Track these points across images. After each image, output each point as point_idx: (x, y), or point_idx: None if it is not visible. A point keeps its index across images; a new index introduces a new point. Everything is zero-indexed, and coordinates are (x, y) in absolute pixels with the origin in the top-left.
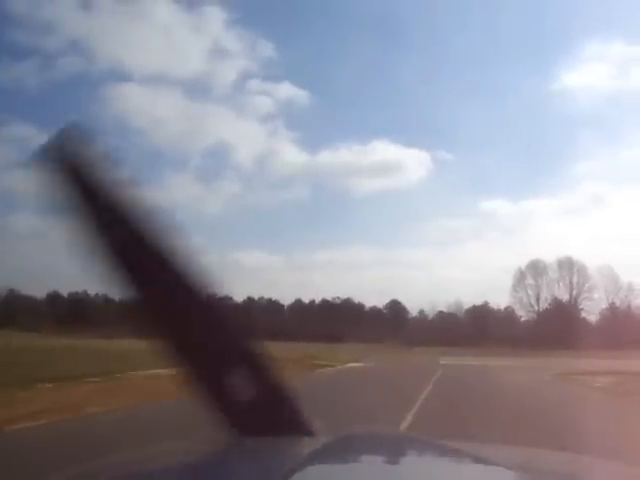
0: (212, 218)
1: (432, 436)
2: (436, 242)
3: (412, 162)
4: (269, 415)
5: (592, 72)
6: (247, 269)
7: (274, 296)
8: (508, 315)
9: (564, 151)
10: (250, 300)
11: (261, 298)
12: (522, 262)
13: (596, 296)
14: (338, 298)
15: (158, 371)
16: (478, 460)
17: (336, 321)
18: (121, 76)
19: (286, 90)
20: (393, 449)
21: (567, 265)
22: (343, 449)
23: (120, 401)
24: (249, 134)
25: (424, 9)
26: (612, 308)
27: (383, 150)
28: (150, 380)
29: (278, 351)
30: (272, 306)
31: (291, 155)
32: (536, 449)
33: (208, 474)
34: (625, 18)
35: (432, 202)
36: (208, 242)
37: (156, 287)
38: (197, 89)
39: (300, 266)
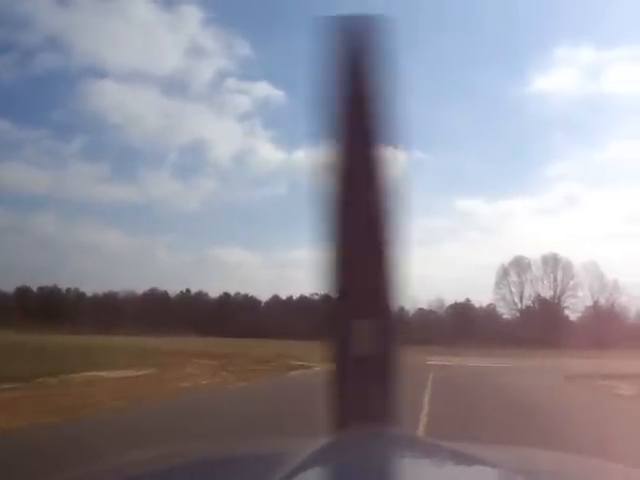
0: (190, 215)
1: (432, 437)
2: (414, 241)
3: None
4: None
5: (564, 76)
6: (226, 266)
7: (251, 292)
8: (490, 313)
9: (539, 152)
10: (226, 296)
11: (237, 294)
12: (500, 260)
13: (580, 294)
14: (317, 294)
15: (110, 373)
16: (478, 461)
17: (315, 318)
18: (99, 73)
19: (263, 89)
20: (393, 449)
21: (552, 262)
22: (343, 449)
23: None
24: (227, 132)
25: (400, 10)
26: (596, 307)
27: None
28: (88, 386)
29: (252, 350)
30: (249, 302)
31: (268, 153)
32: (536, 449)
33: (208, 475)
34: (594, 24)
35: (409, 201)
36: (186, 238)
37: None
38: (174, 87)
39: (279, 263)
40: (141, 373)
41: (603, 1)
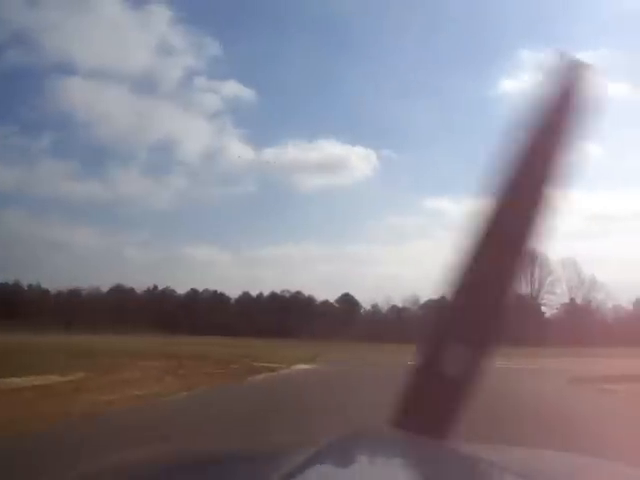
0: (160, 213)
1: (432, 438)
2: (385, 239)
3: (358, 160)
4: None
5: (529, 78)
6: (196, 264)
7: (220, 289)
8: None
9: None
10: (194, 292)
11: (206, 290)
12: None
13: (558, 290)
14: (287, 291)
15: (26, 379)
16: (478, 461)
17: (286, 315)
18: (67, 70)
19: (233, 88)
20: (393, 450)
21: (529, 257)
22: (343, 450)
23: None
24: (196, 130)
25: (369, 12)
26: (573, 303)
27: (329, 148)
28: None
29: (216, 349)
30: (217, 299)
31: (239, 151)
32: (536, 449)
33: (208, 474)
34: (558, 28)
35: (379, 200)
36: (156, 236)
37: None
38: (144, 85)
39: (249, 261)
40: (65, 379)
41: (567, 6)
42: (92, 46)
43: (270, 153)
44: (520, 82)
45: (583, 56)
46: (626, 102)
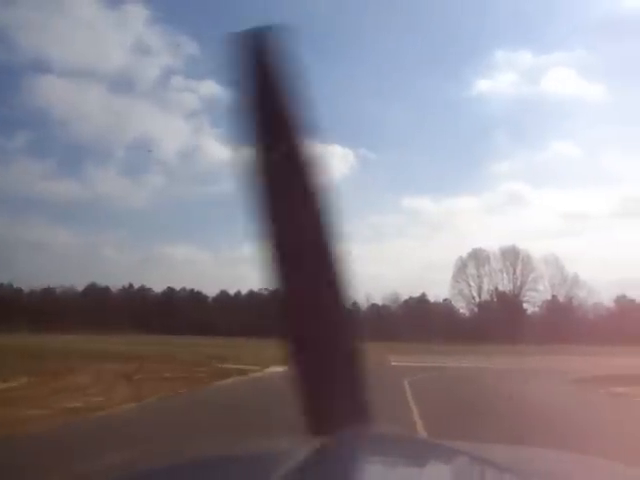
0: (138, 212)
1: (432, 437)
2: (364, 238)
3: (335, 159)
4: (344, 414)
5: (504, 79)
6: (175, 263)
7: (197, 287)
8: (447, 307)
9: (482, 152)
10: (170, 291)
11: (183, 289)
12: (451, 256)
13: (541, 287)
14: (266, 289)
15: None
16: (478, 460)
17: (265, 314)
18: (43, 68)
19: (210, 88)
20: (393, 449)
21: (511, 254)
22: (343, 449)
23: None
24: (174, 129)
25: (346, 12)
26: (554, 300)
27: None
28: None
29: (188, 350)
30: (195, 298)
31: (216, 151)
32: (536, 449)
33: (208, 474)
34: (532, 30)
35: (357, 199)
36: (134, 235)
37: (307, 274)
38: (121, 84)
39: (228, 260)
40: (2, 386)
41: (543, 7)
42: (68, 45)
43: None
44: (495, 82)
45: (558, 57)
46: (601, 103)
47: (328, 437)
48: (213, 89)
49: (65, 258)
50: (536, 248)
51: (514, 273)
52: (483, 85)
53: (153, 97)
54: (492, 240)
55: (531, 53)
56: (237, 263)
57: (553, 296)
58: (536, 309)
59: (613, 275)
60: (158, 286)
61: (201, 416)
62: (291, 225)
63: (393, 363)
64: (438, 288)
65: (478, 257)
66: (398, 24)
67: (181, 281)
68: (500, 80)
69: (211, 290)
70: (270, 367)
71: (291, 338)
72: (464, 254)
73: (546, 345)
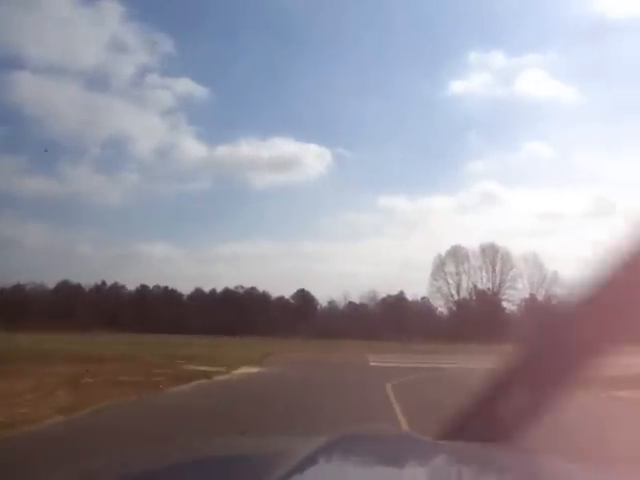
0: (114, 209)
1: (432, 436)
2: (341, 236)
3: (312, 158)
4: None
5: (477, 80)
6: (150, 261)
7: (172, 285)
8: (425, 305)
9: (457, 152)
10: (143, 288)
11: (157, 287)
12: (427, 256)
13: (520, 285)
14: (241, 287)
15: None
16: (478, 460)
17: (240, 312)
18: (16, 64)
19: (186, 86)
20: (393, 449)
21: (490, 252)
22: (343, 449)
23: None
24: (150, 127)
25: (322, 12)
26: (532, 299)
27: (283, 145)
28: None
29: (154, 349)
30: (169, 295)
31: (193, 148)
32: (536, 449)
33: (209, 474)
34: (505, 31)
35: (334, 197)
36: (110, 233)
37: None
38: (96, 81)
39: (204, 259)
40: None
41: (517, 10)
42: (43, 41)
43: (224, 150)
44: (469, 82)
45: (531, 59)
46: (574, 104)
47: (328, 437)
48: (189, 87)
49: (37, 255)
50: (511, 247)
51: (493, 271)
52: (458, 85)
53: (128, 94)
54: (467, 239)
55: (504, 54)
56: (212, 261)
57: (531, 294)
58: (515, 307)
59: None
60: (132, 284)
61: (123, 441)
62: None
63: (372, 363)
64: (416, 287)
65: (457, 255)
66: (374, 24)
67: (156, 279)
68: (474, 81)
69: (186, 288)
70: (240, 368)
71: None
72: (443, 252)
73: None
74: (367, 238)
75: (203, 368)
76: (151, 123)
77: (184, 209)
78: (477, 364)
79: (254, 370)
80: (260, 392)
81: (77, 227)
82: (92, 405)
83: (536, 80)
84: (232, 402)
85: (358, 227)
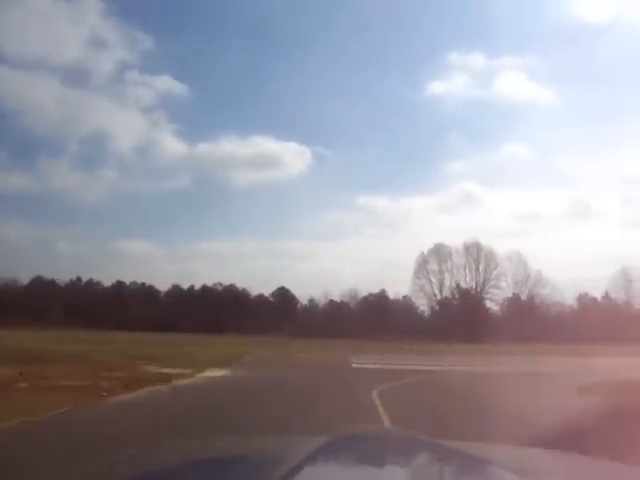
0: (92, 206)
1: (432, 436)
2: (321, 235)
3: (292, 157)
4: None
5: (457, 81)
6: (129, 258)
7: (148, 281)
8: (407, 304)
9: (437, 153)
10: (119, 284)
11: (133, 283)
12: (407, 256)
13: (504, 284)
14: (220, 284)
15: None
16: (478, 460)
17: (218, 310)
18: None
19: (167, 83)
20: (393, 449)
21: (474, 250)
22: (343, 449)
23: None
24: (130, 124)
25: (303, 12)
26: (515, 298)
27: (263, 144)
28: None
29: (115, 348)
30: (146, 292)
31: (173, 146)
32: (535, 449)
33: (209, 474)
34: (484, 35)
35: (314, 196)
36: (88, 230)
37: None
38: (75, 77)
39: (183, 256)
40: None
41: (497, 12)
42: (19, 36)
43: (204, 148)
44: (449, 84)
45: (510, 61)
46: (552, 106)
47: (328, 437)
48: (169, 84)
49: (13, 251)
50: (494, 246)
51: (477, 269)
52: (438, 86)
53: (108, 91)
54: (448, 239)
55: (484, 56)
56: (192, 259)
57: (514, 294)
58: (498, 306)
59: (566, 274)
60: (109, 280)
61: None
62: None
63: (354, 365)
64: (397, 286)
65: (440, 253)
66: (356, 25)
67: (134, 276)
68: (454, 82)
69: (163, 285)
70: (206, 371)
71: None
72: (425, 250)
73: (512, 344)
74: (348, 237)
75: (165, 370)
76: (131, 120)
77: (164, 207)
78: (467, 366)
79: (221, 373)
80: (216, 405)
81: (55, 224)
82: (9, 419)
83: (515, 82)
84: (177, 420)
85: (339, 226)
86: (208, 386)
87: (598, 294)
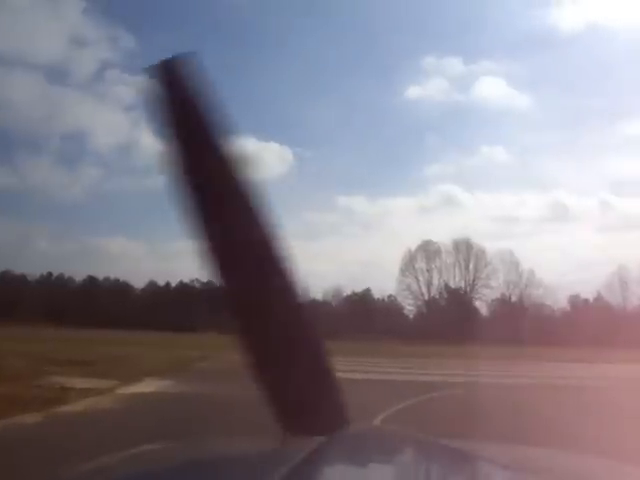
0: (72, 203)
1: (432, 436)
2: (300, 235)
3: (273, 157)
4: (317, 413)
5: (434, 85)
6: (109, 256)
7: (122, 276)
8: (392, 304)
9: (415, 155)
10: (91, 280)
11: (107, 279)
12: (387, 258)
13: (494, 284)
14: (197, 281)
15: None
16: (478, 460)
17: (196, 307)
18: None
19: (148, 82)
20: (393, 448)
21: (464, 248)
22: (342, 449)
23: None
24: (111, 122)
25: (281, 14)
26: (507, 299)
27: (244, 144)
28: None
29: (48, 348)
30: (120, 288)
31: (154, 145)
32: (536, 448)
33: (208, 474)
34: (461, 38)
35: (294, 196)
36: (67, 227)
37: (247, 267)
38: (56, 75)
39: (164, 254)
40: None
41: (474, 17)
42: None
43: None
44: (426, 87)
45: (487, 66)
46: (530, 111)
47: (328, 437)
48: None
49: None
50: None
51: (466, 268)
52: (416, 90)
53: (89, 89)
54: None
55: (461, 61)
56: (172, 257)
57: (502, 294)
58: (488, 307)
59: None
60: (81, 276)
61: None
62: (224, 223)
63: (339, 374)
64: (378, 287)
65: (428, 250)
66: (334, 27)
67: (112, 274)
68: (432, 86)
69: (139, 281)
70: (140, 383)
71: (242, 336)
72: (413, 247)
73: (504, 346)
74: (327, 237)
75: (78, 381)
76: (113, 118)
77: (144, 205)
78: (490, 376)
79: (154, 388)
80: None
81: (33, 220)
82: None
83: (492, 87)
84: None
85: (318, 226)
86: (113, 415)
87: (588, 296)
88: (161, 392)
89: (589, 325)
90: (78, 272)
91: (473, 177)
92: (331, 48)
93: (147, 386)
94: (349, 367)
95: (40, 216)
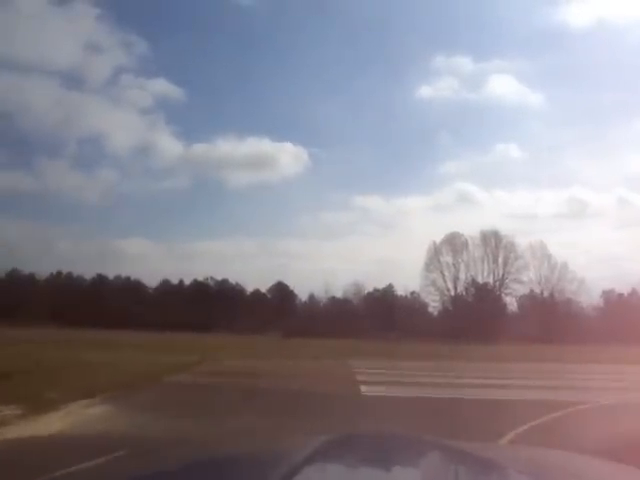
0: (92, 206)
1: (432, 436)
2: (318, 235)
3: (288, 158)
4: None
5: (446, 84)
6: (128, 257)
7: (134, 275)
8: (415, 300)
9: (429, 153)
10: (100, 278)
11: (117, 277)
12: (404, 257)
13: (525, 278)
14: (212, 278)
15: None
16: (478, 460)
17: (210, 306)
18: None
19: (162, 86)
20: (393, 449)
21: (493, 240)
22: (343, 449)
23: None
24: (127, 125)
25: (296, 16)
26: (538, 294)
27: (259, 144)
28: None
29: (34, 353)
30: (132, 287)
31: (170, 147)
32: (535, 448)
33: (209, 474)
34: (472, 37)
35: (310, 196)
36: (88, 229)
37: None
38: (72, 80)
39: (180, 255)
40: None
41: (487, 16)
42: (11, 39)
43: (201, 149)
44: (439, 86)
45: (498, 64)
46: (542, 108)
47: (328, 437)
48: (165, 87)
49: (13, 251)
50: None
51: (495, 262)
52: (428, 89)
53: (105, 94)
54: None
55: (472, 60)
56: (189, 258)
57: (531, 290)
58: (517, 302)
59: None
60: (90, 275)
61: None
62: None
63: (364, 388)
64: (397, 285)
65: (454, 243)
66: (348, 28)
67: (127, 274)
68: (444, 84)
69: (152, 281)
70: (65, 407)
71: None
72: (437, 240)
73: (537, 344)
74: (345, 236)
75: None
76: (129, 122)
77: (161, 206)
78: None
79: (64, 423)
80: None
81: (53, 223)
82: None
83: (504, 85)
84: None
85: (335, 226)
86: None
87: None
88: (58, 434)
89: (627, 321)
90: (88, 271)
91: (488, 175)
92: (343, 49)
93: (55, 419)
94: (377, 376)
95: (58, 218)
